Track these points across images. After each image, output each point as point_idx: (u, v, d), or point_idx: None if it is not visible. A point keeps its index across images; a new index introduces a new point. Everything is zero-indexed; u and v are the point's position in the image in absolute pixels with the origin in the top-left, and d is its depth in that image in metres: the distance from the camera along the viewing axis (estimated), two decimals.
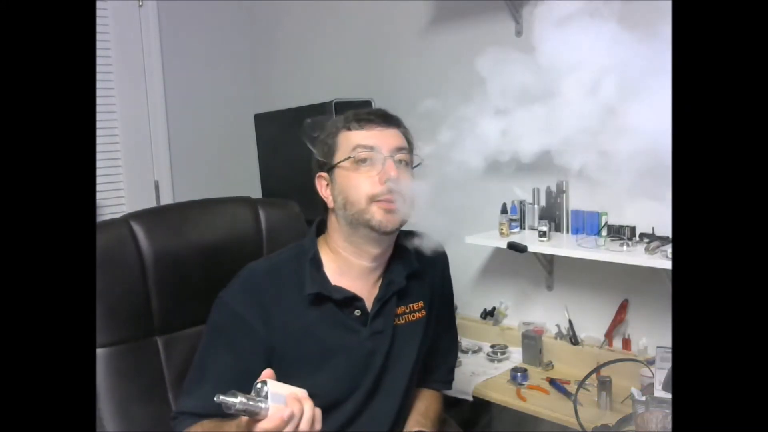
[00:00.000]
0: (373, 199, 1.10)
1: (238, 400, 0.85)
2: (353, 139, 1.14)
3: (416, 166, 1.17)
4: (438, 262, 1.30)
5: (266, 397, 0.88)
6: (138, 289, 1.28)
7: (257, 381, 0.90)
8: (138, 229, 1.28)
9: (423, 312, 1.24)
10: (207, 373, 1.11)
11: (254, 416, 0.87)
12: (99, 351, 1.22)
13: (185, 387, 1.15)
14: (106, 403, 1.21)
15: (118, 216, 1.35)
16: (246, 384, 0.90)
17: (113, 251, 1.25)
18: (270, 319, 1.11)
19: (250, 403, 0.86)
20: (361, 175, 1.11)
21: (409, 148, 1.17)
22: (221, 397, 0.84)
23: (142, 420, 1.23)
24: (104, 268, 1.22)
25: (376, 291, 1.18)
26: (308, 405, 0.92)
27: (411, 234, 1.20)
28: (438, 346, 1.34)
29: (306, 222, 1.50)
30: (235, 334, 1.12)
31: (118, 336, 1.25)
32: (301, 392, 0.93)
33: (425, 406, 1.32)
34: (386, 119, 1.16)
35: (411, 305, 1.23)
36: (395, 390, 1.21)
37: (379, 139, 1.13)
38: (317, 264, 1.16)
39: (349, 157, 1.12)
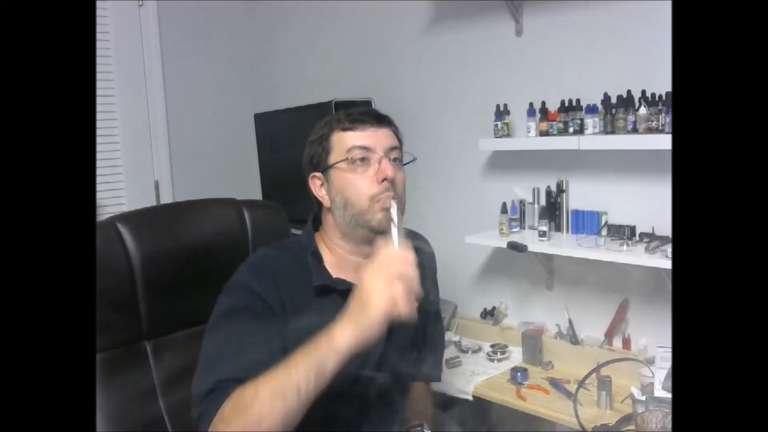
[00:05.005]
0: (373, 199, 1.12)
1: None
2: (348, 140, 1.16)
3: (407, 164, 1.20)
4: (422, 254, 1.30)
5: None
6: (126, 293, 1.25)
7: None
8: (125, 232, 1.25)
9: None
10: (240, 345, 1.03)
11: None
12: None
13: (208, 365, 1.04)
14: (97, 411, 1.17)
15: None
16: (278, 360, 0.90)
17: (100, 254, 1.19)
18: (283, 301, 1.11)
19: None
20: (358, 176, 1.14)
21: (399, 146, 1.20)
22: None
23: (133, 426, 1.21)
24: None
25: None
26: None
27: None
28: (427, 337, 1.35)
29: (291, 221, 1.51)
30: (258, 310, 1.09)
31: (105, 343, 1.21)
32: None
33: (416, 401, 1.33)
34: (378, 119, 1.18)
35: None
36: (398, 375, 1.23)
37: (374, 139, 1.15)
38: (318, 258, 1.19)
39: (346, 159, 1.15)
